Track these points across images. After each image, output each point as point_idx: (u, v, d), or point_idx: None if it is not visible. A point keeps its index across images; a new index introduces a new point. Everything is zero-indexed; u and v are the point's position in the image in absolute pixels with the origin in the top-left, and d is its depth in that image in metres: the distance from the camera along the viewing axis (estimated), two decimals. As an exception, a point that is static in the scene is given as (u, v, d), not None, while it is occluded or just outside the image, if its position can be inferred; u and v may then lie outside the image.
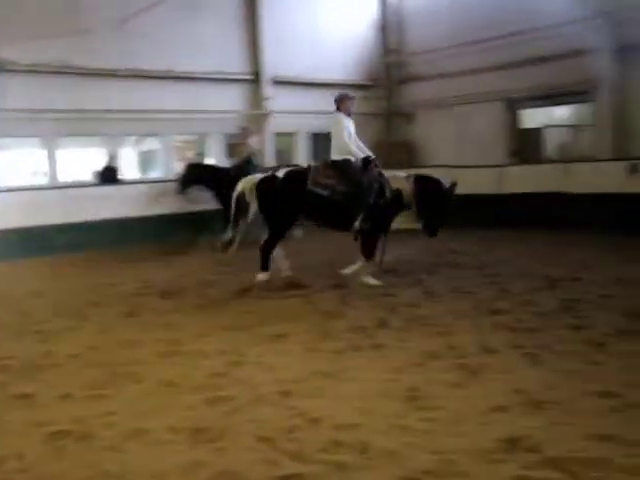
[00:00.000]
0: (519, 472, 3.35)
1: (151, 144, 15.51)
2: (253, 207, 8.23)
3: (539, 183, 12.80)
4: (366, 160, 8.19)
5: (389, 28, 17.81)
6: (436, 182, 8.27)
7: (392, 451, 3.63)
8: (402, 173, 8.43)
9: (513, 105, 15.76)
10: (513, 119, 15.84)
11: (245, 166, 12.86)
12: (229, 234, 8.44)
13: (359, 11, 17.50)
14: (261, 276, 8.18)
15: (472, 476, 3.35)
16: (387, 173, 8.30)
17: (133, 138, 15.50)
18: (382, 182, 8.15)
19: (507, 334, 5.83)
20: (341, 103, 8.31)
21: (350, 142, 8.17)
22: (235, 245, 8.49)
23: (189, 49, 14.37)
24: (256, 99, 15.78)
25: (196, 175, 12.81)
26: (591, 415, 4.01)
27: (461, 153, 15.40)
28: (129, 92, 13.45)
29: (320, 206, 8.10)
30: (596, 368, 4.87)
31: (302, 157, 16.47)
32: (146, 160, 16.16)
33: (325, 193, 8.04)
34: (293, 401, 4.44)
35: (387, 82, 17.76)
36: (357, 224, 8.06)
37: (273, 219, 8.21)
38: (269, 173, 8.40)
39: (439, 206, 8.11)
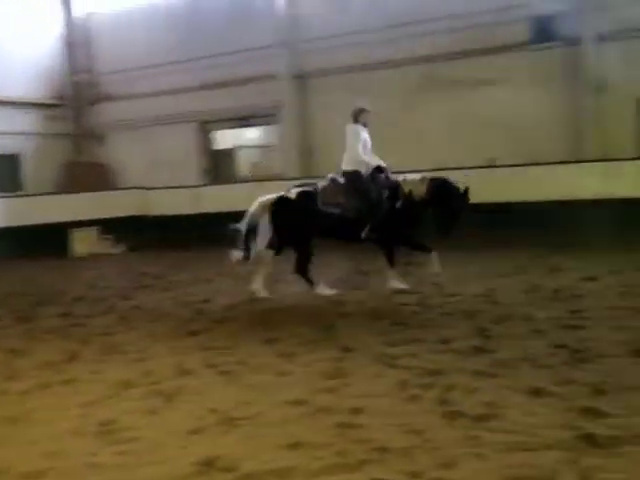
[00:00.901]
0: (213, 494, 3.37)
1: None
2: (263, 227, 8.31)
3: (234, 202, 13.19)
4: (377, 169, 8.32)
5: (77, 45, 17.18)
6: (450, 185, 8.32)
7: (85, 493, 3.45)
8: (416, 176, 8.47)
9: (206, 126, 16.14)
10: (206, 140, 16.21)
11: None
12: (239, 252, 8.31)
13: (43, 25, 16.60)
14: (319, 290, 8.26)
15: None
16: (399, 177, 8.40)
17: None
18: (394, 187, 8.27)
19: (203, 354, 5.89)
20: (359, 115, 8.42)
21: (364, 153, 8.30)
22: (252, 259, 8.40)
23: None
24: None
25: None
26: (282, 425, 4.17)
27: (155, 174, 15.37)
28: None
29: (332, 223, 8.27)
30: (286, 379, 5.11)
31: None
32: None
33: (336, 211, 8.21)
34: (-30, 454, 4.01)
35: (76, 101, 17.10)
36: (364, 234, 8.22)
37: (293, 240, 8.40)
38: (280, 194, 8.39)
39: (452, 209, 8.17)
